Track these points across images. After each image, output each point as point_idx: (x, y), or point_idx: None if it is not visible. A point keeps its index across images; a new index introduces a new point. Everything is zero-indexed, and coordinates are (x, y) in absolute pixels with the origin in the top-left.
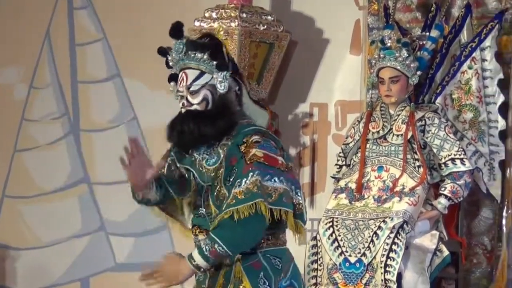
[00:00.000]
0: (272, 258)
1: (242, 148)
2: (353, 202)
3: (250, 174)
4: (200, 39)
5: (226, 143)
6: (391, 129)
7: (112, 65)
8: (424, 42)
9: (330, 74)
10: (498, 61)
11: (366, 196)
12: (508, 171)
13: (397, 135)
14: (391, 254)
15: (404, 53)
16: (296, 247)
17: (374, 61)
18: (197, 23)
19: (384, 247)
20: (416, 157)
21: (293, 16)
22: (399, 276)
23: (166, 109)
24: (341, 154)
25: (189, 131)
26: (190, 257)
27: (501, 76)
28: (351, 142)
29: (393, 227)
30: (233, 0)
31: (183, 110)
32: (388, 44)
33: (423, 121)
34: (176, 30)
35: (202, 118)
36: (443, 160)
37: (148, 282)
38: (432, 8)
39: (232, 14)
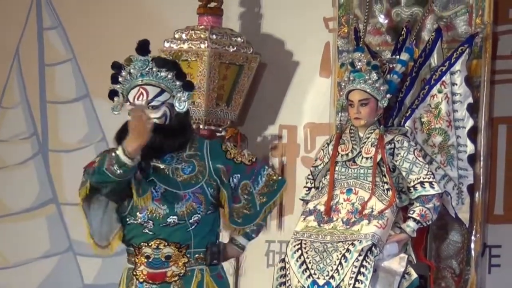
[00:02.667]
0: (222, 270)
1: (229, 155)
2: (321, 225)
3: (260, 170)
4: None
5: (195, 153)
6: (360, 152)
7: (81, 86)
8: (394, 65)
9: (299, 96)
10: (467, 85)
11: (334, 219)
12: (476, 195)
13: (366, 158)
14: (359, 277)
15: (374, 76)
16: (264, 269)
17: (343, 84)
18: (166, 44)
19: (352, 270)
20: (385, 180)
21: (263, 38)
22: None
23: None
24: (310, 177)
25: (150, 142)
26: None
27: (470, 100)
28: (320, 164)
29: (362, 249)
30: (203, 22)
31: None
32: (358, 67)
33: (393, 144)
34: (143, 47)
35: (164, 132)
36: (412, 184)
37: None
38: (403, 32)
39: (202, 36)
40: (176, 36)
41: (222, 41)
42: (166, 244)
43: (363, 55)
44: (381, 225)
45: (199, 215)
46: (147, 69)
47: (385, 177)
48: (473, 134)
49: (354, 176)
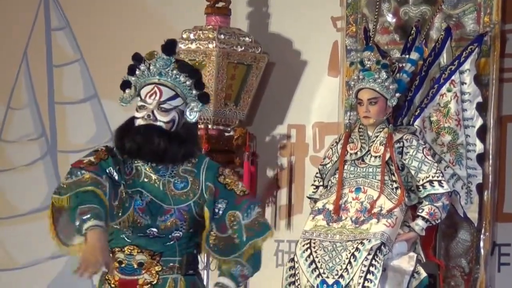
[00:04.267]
0: (202, 280)
1: (221, 179)
2: (330, 224)
3: (251, 205)
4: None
5: (191, 169)
6: (369, 150)
7: (89, 86)
8: (404, 65)
9: (308, 95)
10: (476, 83)
11: (343, 218)
12: (485, 194)
13: (375, 157)
14: (368, 276)
15: (383, 74)
16: (273, 269)
17: (353, 83)
18: None
19: (361, 269)
20: (394, 178)
21: (271, 37)
22: None
23: None
24: (318, 175)
25: (154, 143)
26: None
27: (479, 99)
28: (328, 163)
29: (371, 248)
30: (211, 22)
31: (143, 122)
32: (368, 66)
33: (401, 143)
34: (170, 46)
35: (170, 137)
36: (421, 182)
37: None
38: (412, 31)
39: (210, 35)
40: (184, 36)
41: (230, 41)
42: (139, 251)
43: (373, 54)
44: (390, 224)
45: (180, 232)
46: (167, 69)
47: (394, 175)
48: (482, 133)
49: (363, 175)
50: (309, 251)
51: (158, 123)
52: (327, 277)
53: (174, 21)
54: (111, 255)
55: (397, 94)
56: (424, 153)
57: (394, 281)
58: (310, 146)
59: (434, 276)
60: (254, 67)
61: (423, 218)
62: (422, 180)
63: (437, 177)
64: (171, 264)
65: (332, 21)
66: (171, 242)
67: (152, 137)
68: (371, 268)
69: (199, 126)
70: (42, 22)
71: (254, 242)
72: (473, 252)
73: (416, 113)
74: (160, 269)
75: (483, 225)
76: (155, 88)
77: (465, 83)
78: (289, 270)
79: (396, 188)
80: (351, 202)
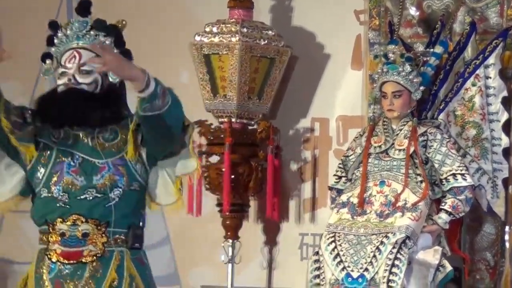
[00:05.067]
0: (147, 256)
1: None
2: (355, 217)
3: None
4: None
5: (119, 125)
6: (393, 144)
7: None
8: (428, 58)
9: (331, 89)
10: (501, 77)
11: (368, 211)
12: (510, 188)
13: (399, 150)
14: (393, 270)
15: (408, 68)
16: (298, 262)
17: (377, 76)
18: (197, 38)
19: (386, 262)
20: (418, 172)
21: (294, 31)
22: None
23: None
24: (341, 166)
25: (74, 109)
26: (147, 72)
27: (505, 93)
28: (351, 154)
29: (396, 242)
30: (234, 15)
31: (64, 88)
32: (392, 59)
33: (426, 136)
34: (85, 7)
35: (91, 100)
36: (444, 175)
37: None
38: (437, 25)
39: (233, 29)
40: (207, 29)
41: (253, 34)
42: (84, 220)
43: (397, 47)
44: (414, 217)
45: (120, 190)
46: (84, 31)
47: (418, 169)
48: (507, 127)
49: (387, 168)
50: (333, 244)
51: (81, 86)
52: (352, 270)
53: (197, 15)
54: (51, 227)
55: (421, 88)
56: (448, 146)
57: (419, 274)
58: (333, 139)
59: (459, 270)
60: (277, 61)
61: (446, 212)
62: (446, 173)
63: (460, 170)
64: (116, 236)
65: (355, 15)
66: (113, 203)
67: (73, 102)
68: (396, 262)
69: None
70: (65, 17)
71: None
72: (498, 246)
73: (441, 107)
74: (105, 240)
75: (508, 218)
76: (74, 52)
77: (490, 77)
78: (314, 264)
79: (421, 181)
80: (375, 195)
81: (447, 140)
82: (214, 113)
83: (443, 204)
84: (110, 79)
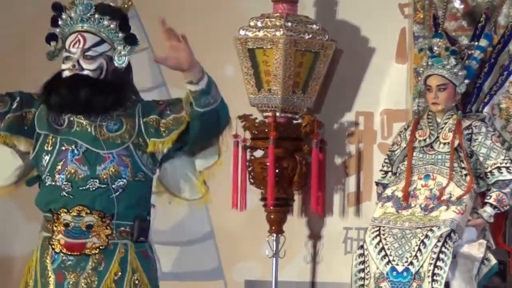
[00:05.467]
0: (153, 250)
1: (161, 102)
2: (400, 211)
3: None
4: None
5: (124, 112)
6: (437, 137)
7: (157, 74)
8: (473, 51)
9: (375, 82)
10: None
11: (413, 205)
12: None
13: (444, 144)
14: (438, 263)
15: (452, 61)
16: (342, 256)
17: (421, 69)
18: (242, 32)
19: (431, 256)
20: (463, 165)
21: (338, 24)
22: (447, 285)
23: None
24: (387, 160)
25: (77, 96)
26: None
27: None
28: (397, 149)
29: (441, 236)
30: (278, 9)
31: (68, 73)
32: (437, 52)
33: (470, 130)
34: None
35: (95, 87)
36: (489, 169)
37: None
38: (482, 18)
39: (277, 23)
40: (251, 23)
41: (298, 28)
42: (88, 212)
43: (442, 40)
44: (459, 211)
45: (124, 181)
46: (88, 14)
47: (463, 162)
48: None
49: (431, 162)
50: (378, 238)
51: (85, 72)
52: (397, 264)
53: (242, 9)
54: (55, 217)
55: (466, 81)
56: (493, 140)
57: (464, 267)
58: (378, 133)
59: (504, 263)
60: (322, 55)
61: (491, 205)
62: (490, 166)
63: (505, 163)
64: (121, 228)
65: (399, 8)
66: (116, 194)
67: (77, 89)
68: (441, 255)
69: (132, 70)
70: None
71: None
72: None
73: (485, 100)
74: (110, 232)
75: None
76: (79, 36)
77: None
78: (359, 258)
79: (465, 175)
80: (420, 189)
81: (492, 133)
82: (258, 108)
83: (488, 197)
84: (116, 64)
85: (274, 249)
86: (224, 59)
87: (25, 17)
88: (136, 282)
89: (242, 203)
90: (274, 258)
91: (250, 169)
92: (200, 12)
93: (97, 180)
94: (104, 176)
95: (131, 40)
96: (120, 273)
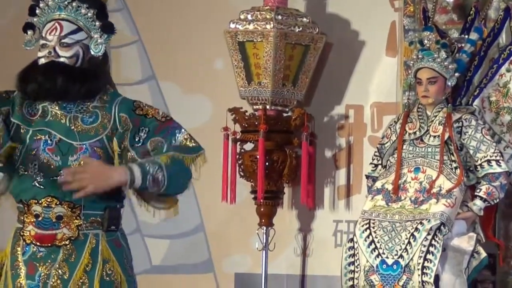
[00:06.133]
0: (126, 238)
1: (139, 111)
2: (389, 204)
3: (177, 130)
4: None
5: (102, 105)
6: (428, 130)
7: (147, 68)
8: (463, 45)
9: (365, 76)
10: None
11: (403, 198)
12: None
13: (434, 136)
14: (428, 256)
15: (443, 54)
16: (332, 249)
17: (412, 62)
18: (232, 25)
19: (421, 249)
20: (453, 158)
21: (329, 18)
22: (436, 278)
23: (202, 111)
24: (377, 153)
25: (54, 82)
26: (130, 167)
27: None
28: (387, 142)
29: (430, 228)
30: (268, 2)
31: (44, 60)
32: (427, 45)
33: (460, 123)
34: None
35: (71, 74)
36: (479, 162)
37: (70, 183)
38: (471, 11)
39: (268, 16)
40: (242, 17)
41: (288, 22)
42: (58, 202)
43: (432, 34)
44: (449, 204)
45: None
46: (66, 2)
47: (453, 155)
48: None
49: (421, 155)
50: (368, 231)
51: (61, 59)
52: (387, 257)
53: (232, 2)
54: (26, 208)
55: (456, 74)
56: (483, 133)
57: (454, 261)
58: (368, 126)
59: (494, 256)
60: (312, 48)
61: (481, 198)
62: (480, 159)
63: (495, 156)
64: (91, 218)
65: (389, 1)
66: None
67: (53, 75)
68: (431, 248)
69: (109, 60)
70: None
71: (178, 153)
72: None
73: (475, 93)
74: (80, 223)
75: None
76: (56, 24)
77: None
78: (349, 250)
79: (455, 168)
80: (410, 182)
81: (482, 126)
82: (248, 100)
83: (477, 190)
84: (92, 53)
85: (264, 242)
86: (214, 52)
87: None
88: (109, 272)
89: (232, 196)
90: (264, 251)
91: (240, 162)
92: (190, 5)
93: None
94: (75, 167)
95: (108, 29)
96: (91, 264)
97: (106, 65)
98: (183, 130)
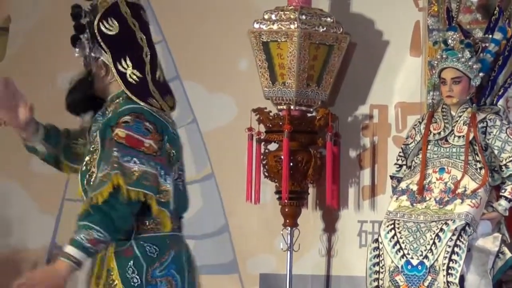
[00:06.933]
0: (147, 246)
1: (114, 129)
2: (414, 204)
3: (110, 154)
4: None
5: (99, 119)
6: (452, 130)
7: (171, 68)
8: (487, 44)
9: (390, 75)
10: None
11: (427, 198)
12: None
13: (459, 137)
14: (453, 257)
15: (467, 54)
16: (357, 249)
17: (436, 62)
18: (256, 25)
19: (446, 250)
20: (478, 158)
21: (353, 17)
22: (462, 279)
23: (226, 111)
24: (401, 154)
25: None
26: (66, 255)
27: None
28: (411, 142)
29: (455, 229)
30: (292, 2)
31: None
32: (451, 45)
33: (485, 123)
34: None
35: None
36: (503, 162)
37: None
38: (495, 11)
39: (292, 16)
40: (266, 17)
41: (312, 22)
42: None
43: (456, 33)
44: (474, 204)
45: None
46: None
47: (478, 155)
48: None
49: (446, 155)
50: (393, 231)
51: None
52: (412, 257)
53: (256, 2)
54: None
55: (481, 74)
56: (508, 133)
57: (479, 261)
58: (392, 126)
59: None
60: (336, 48)
61: (506, 198)
62: (505, 160)
63: None
64: None
65: (413, 1)
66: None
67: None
68: (456, 249)
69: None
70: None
71: (93, 195)
72: None
73: (500, 93)
74: None
75: None
76: None
77: None
78: (374, 251)
79: (480, 168)
80: (435, 182)
81: (507, 126)
82: (273, 101)
83: (503, 190)
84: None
85: (289, 242)
86: (238, 52)
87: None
88: (110, 282)
89: (256, 197)
90: (288, 252)
91: (264, 162)
92: (214, 5)
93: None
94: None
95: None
96: (101, 274)
97: (93, 68)
98: (115, 152)
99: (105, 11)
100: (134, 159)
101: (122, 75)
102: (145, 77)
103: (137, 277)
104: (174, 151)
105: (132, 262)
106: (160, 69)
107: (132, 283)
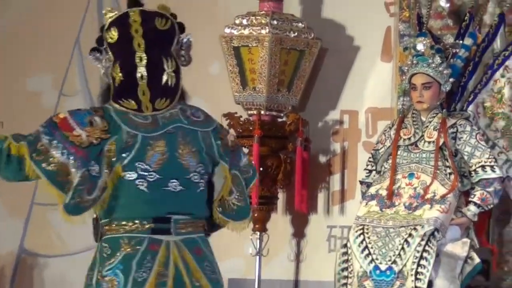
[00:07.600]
0: (103, 246)
1: None
2: (383, 209)
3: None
4: None
5: None
6: (422, 136)
7: None
8: (457, 50)
9: (360, 81)
10: None
11: (397, 203)
12: None
13: (429, 142)
14: (422, 262)
15: (437, 59)
16: (326, 254)
17: (406, 68)
18: (227, 30)
19: (415, 255)
20: (447, 164)
21: (324, 23)
22: (430, 284)
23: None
24: (371, 159)
25: None
26: None
27: None
28: (381, 148)
29: (424, 234)
30: (264, 7)
31: None
32: (422, 51)
33: (455, 128)
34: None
35: None
36: (473, 167)
37: None
38: (466, 17)
39: (263, 21)
40: (237, 21)
41: (283, 27)
42: None
43: (426, 39)
44: (443, 209)
45: None
46: None
47: (447, 161)
48: None
49: (416, 161)
50: (362, 236)
51: None
52: (380, 263)
53: (227, 7)
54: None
55: (451, 79)
56: (477, 138)
57: (447, 266)
58: (363, 131)
59: (487, 262)
60: (307, 53)
61: (475, 204)
62: (475, 165)
63: (490, 162)
64: None
65: (385, 6)
66: None
67: None
68: (425, 254)
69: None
70: (95, 9)
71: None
72: None
73: (470, 99)
74: None
75: None
76: None
77: None
78: (342, 256)
79: (450, 173)
80: (404, 187)
81: (477, 132)
82: (243, 106)
83: (472, 196)
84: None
85: (258, 247)
86: (209, 57)
87: None
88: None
89: None
90: (257, 257)
91: None
92: (185, 10)
93: None
94: None
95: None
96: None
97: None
98: (41, 126)
99: (112, 21)
100: (55, 140)
101: (113, 80)
102: (126, 80)
103: (91, 275)
104: (127, 151)
105: (91, 261)
106: (168, 73)
107: (88, 282)
